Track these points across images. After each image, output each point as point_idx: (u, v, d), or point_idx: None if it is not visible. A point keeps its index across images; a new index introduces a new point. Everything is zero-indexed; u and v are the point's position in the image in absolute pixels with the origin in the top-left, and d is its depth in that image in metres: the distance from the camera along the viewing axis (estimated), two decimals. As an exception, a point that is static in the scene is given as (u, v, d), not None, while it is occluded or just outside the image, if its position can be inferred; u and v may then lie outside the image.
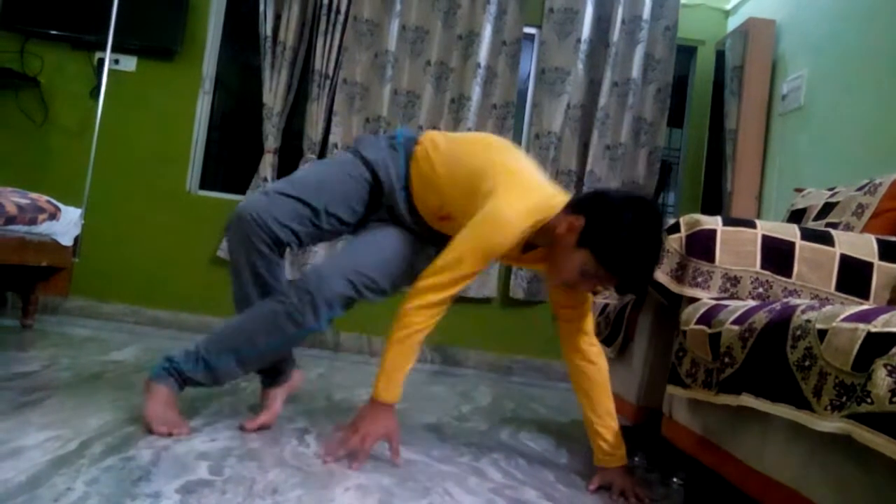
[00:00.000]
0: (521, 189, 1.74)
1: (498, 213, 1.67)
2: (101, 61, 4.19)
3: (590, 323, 1.86)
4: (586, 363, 1.86)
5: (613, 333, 2.38)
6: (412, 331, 1.70)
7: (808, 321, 1.15)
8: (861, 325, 1.02)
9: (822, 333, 1.10)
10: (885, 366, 0.93)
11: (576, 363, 1.88)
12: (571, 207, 1.70)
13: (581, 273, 1.66)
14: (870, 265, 1.75)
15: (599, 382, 1.85)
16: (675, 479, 1.99)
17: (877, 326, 1.00)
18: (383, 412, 1.75)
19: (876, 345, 0.97)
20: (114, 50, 4.15)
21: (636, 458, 2.17)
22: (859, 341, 1.00)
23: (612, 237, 1.61)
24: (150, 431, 1.73)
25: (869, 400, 0.94)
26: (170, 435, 1.73)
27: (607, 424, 1.84)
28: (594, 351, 1.86)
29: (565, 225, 1.67)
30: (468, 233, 1.69)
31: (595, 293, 1.72)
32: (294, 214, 1.83)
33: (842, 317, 1.08)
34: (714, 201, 4.18)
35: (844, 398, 1.01)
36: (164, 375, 1.81)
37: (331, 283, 1.79)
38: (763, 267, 1.75)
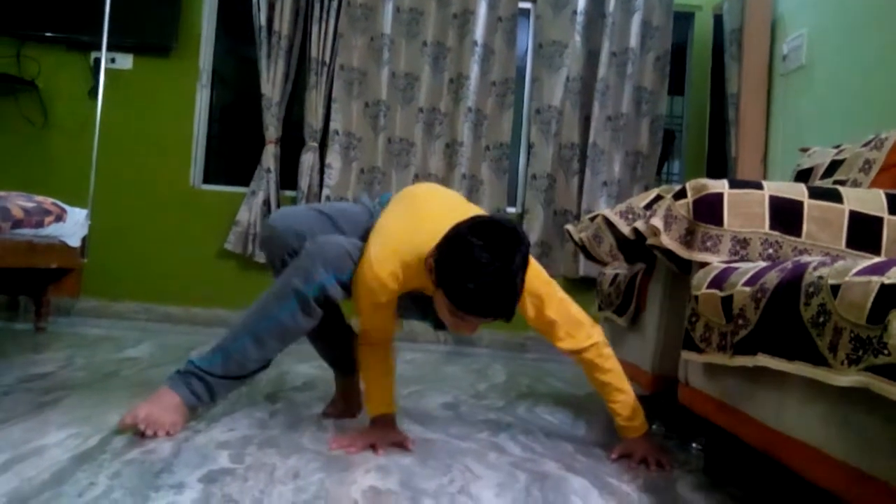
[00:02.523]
0: (383, 240, 1.75)
1: (360, 271, 1.72)
2: (98, 61, 4.19)
3: (561, 330, 1.81)
4: (577, 358, 1.85)
5: (625, 303, 2.38)
6: (362, 361, 1.85)
7: (821, 277, 1.14)
8: (874, 278, 1.01)
9: (835, 289, 1.09)
10: (900, 316, 0.92)
11: (566, 354, 1.88)
12: (437, 246, 1.62)
13: (450, 313, 1.59)
14: (880, 220, 1.74)
15: (598, 366, 1.84)
16: (694, 445, 1.99)
17: (890, 278, 0.99)
18: (388, 423, 1.79)
19: (890, 296, 0.96)
20: (109, 49, 4.14)
21: (654, 427, 2.17)
22: (873, 294, 1.00)
23: (454, 275, 1.54)
24: (130, 426, 1.65)
25: (886, 352, 0.93)
26: (155, 435, 1.64)
27: (615, 399, 1.84)
28: (578, 344, 1.82)
29: (427, 266, 1.63)
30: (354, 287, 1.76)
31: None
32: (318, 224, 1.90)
33: (854, 271, 1.08)
34: (719, 167, 4.16)
35: (861, 352, 1.00)
36: (177, 380, 1.75)
37: (336, 241, 1.78)
38: (772, 228, 1.74)
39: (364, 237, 1.85)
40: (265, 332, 1.76)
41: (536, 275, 1.79)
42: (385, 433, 1.76)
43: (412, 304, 1.91)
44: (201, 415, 1.88)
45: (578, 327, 1.83)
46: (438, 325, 2.11)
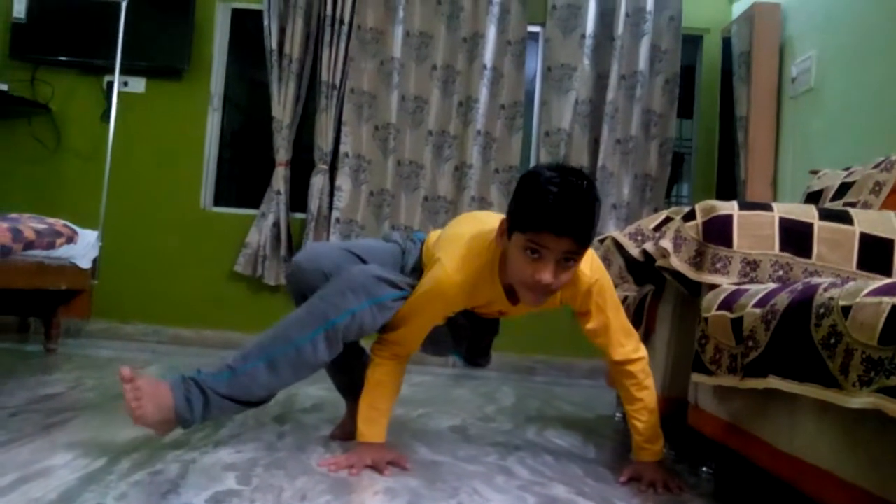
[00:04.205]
0: (452, 248, 1.76)
1: (432, 277, 1.72)
2: (111, 84, 4.24)
3: (615, 336, 1.82)
4: (623, 369, 1.84)
5: (634, 325, 2.36)
6: (373, 376, 1.80)
7: (832, 299, 1.14)
8: (886, 299, 1.01)
9: (846, 310, 1.08)
10: (912, 337, 0.91)
11: (613, 366, 1.88)
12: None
13: (525, 258, 1.56)
14: (891, 242, 1.73)
15: (639, 382, 1.83)
16: (704, 469, 1.97)
17: (902, 299, 0.98)
18: (374, 446, 1.76)
19: (902, 317, 0.96)
20: (122, 72, 4.19)
21: (664, 450, 2.15)
22: (884, 315, 0.99)
23: (520, 201, 1.57)
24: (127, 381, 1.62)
25: (898, 373, 0.92)
26: (134, 411, 1.60)
27: (642, 419, 1.82)
28: (628, 355, 1.82)
29: (500, 229, 1.66)
30: (412, 298, 1.75)
31: (558, 278, 1.63)
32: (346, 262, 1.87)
33: (865, 292, 1.07)
34: (728, 190, 4.15)
35: (872, 373, 1.00)
36: (179, 385, 1.67)
37: (368, 269, 1.78)
38: (782, 249, 1.73)
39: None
40: (281, 358, 1.71)
41: (605, 274, 1.82)
42: (380, 452, 1.74)
43: (450, 331, 1.91)
44: (183, 431, 1.87)
45: (629, 337, 1.85)
46: (470, 357, 2.11)
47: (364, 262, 1.88)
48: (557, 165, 1.62)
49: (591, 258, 1.76)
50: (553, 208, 1.51)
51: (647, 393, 1.84)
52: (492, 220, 1.77)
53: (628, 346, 1.83)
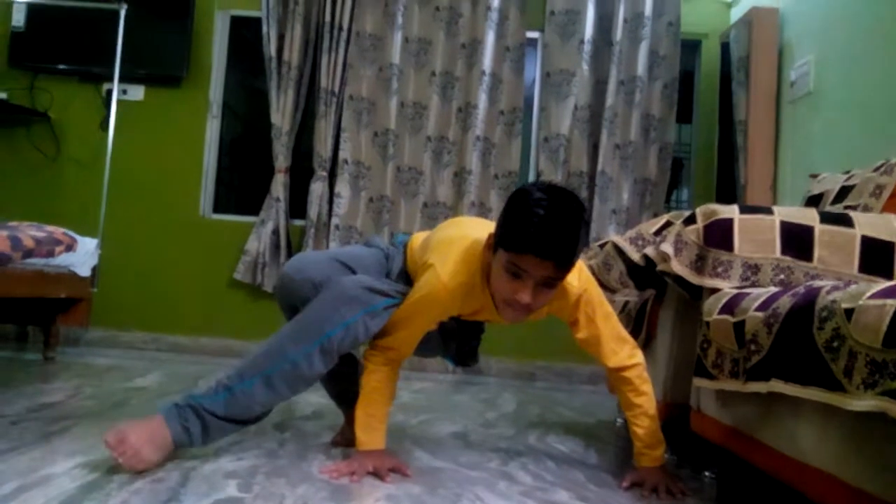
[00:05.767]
0: (445, 253, 1.75)
1: (426, 283, 1.72)
2: (109, 92, 4.24)
3: (607, 345, 1.83)
4: (618, 375, 1.85)
5: (635, 331, 2.36)
6: (368, 383, 1.79)
7: (834, 301, 1.13)
8: (889, 301, 1.00)
9: (849, 312, 1.08)
10: (916, 339, 0.91)
11: (609, 372, 1.88)
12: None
13: (507, 276, 1.58)
14: (892, 245, 1.72)
15: (636, 387, 1.84)
16: (707, 473, 1.96)
17: (905, 301, 0.98)
18: (375, 453, 1.76)
19: (906, 319, 0.95)
20: (121, 80, 4.19)
21: (666, 455, 2.14)
22: (888, 317, 0.98)
23: (507, 220, 1.58)
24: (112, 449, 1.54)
25: (902, 375, 0.92)
26: (127, 467, 1.55)
27: (642, 424, 1.83)
28: (622, 361, 1.83)
29: (487, 243, 1.67)
30: (406, 304, 1.75)
31: (537, 298, 1.63)
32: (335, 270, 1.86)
33: (868, 294, 1.06)
34: (728, 194, 4.15)
35: (877, 376, 0.99)
36: (173, 414, 1.65)
37: (358, 280, 1.77)
38: (783, 253, 1.73)
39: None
40: (277, 375, 1.69)
41: (593, 283, 1.82)
42: (381, 459, 1.74)
43: (439, 336, 1.92)
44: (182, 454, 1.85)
45: (622, 344, 1.85)
46: (460, 359, 2.11)
47: (352, 270, 1.87)
48: (548, 186, 1.60)
49: (578, 268, 1.75)
50: (538, 231, 1.51)
51: (644, 399, 1.84)
52: (481, 227, 1.78)
53: (622, 352, 1.84)
